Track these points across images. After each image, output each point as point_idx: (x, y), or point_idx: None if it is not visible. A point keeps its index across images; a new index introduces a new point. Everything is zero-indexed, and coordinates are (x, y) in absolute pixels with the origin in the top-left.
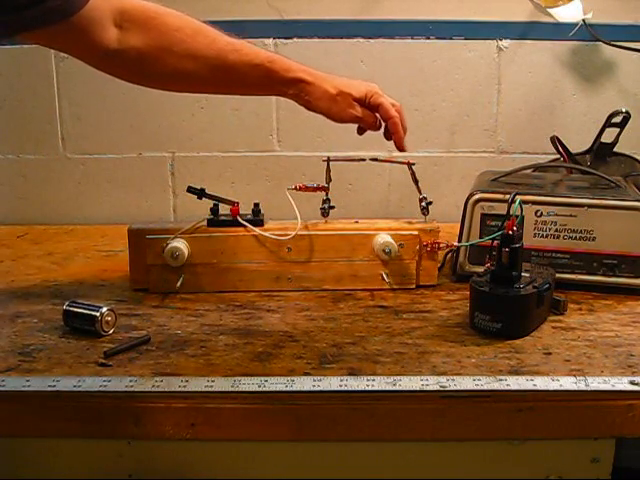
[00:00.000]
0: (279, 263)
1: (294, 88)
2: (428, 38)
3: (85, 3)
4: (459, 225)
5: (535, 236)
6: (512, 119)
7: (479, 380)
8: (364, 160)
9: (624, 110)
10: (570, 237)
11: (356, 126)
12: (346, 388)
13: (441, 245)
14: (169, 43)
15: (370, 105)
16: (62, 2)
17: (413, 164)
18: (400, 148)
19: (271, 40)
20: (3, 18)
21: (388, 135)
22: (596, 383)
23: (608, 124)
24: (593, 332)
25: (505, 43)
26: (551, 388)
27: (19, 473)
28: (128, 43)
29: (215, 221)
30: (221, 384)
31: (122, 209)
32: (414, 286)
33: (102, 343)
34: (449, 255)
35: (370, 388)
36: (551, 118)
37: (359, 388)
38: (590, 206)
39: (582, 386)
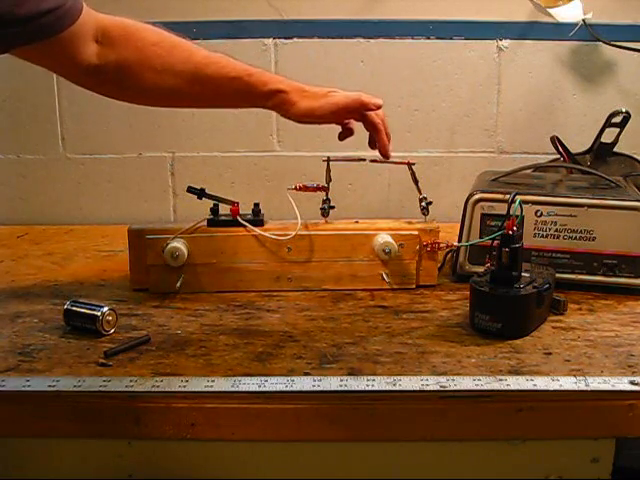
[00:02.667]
0: (279, 263)
1: (273, 99)
2: (428, 38)
3: (74, 21)
4: (459, 225)
5: (535, 236)
6: (512, 119)
7: (479, 380)
8: (364, 160)
9: (624, 110)
10: (570, 237)
11: (358, 125)
12: (346, 388)
13: (441, 245)
14: (146, 57)
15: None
16: (53, 19)
17: (413, 164)
18: (385, 155)
19: (271, 40)
20: None
21: (373, 144)
22: (596, 383)
23: (608, 124)
24: (593, 332)
25: (505, 43)
26: (551, 388)
27: (19, 473)
28: (107, 58)
29: (215, 221)
30: (221, 384)
31: (122, 209)
32: (414, 286)
33: (102, 343)
34: (449, 255)
35: (370, 388)
36: (551, 118)
37: (359, 388)
38: (590, 206)
39: (582, 386)
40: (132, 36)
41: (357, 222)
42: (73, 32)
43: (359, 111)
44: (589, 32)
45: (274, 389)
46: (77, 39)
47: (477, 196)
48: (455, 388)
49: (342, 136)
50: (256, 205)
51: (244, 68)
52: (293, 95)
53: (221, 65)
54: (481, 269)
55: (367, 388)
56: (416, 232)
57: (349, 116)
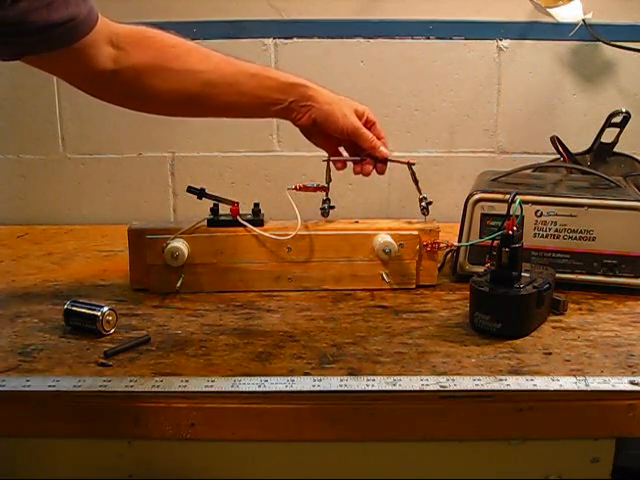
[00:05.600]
0: (279, 263)
1: (294, 93)
2: (428, 38)
3: (88, 32)
4: (459, 225)
5: (535, 236)
6: (512, 119)
7: (479, 380)
8: (364, 160)
9: (624, 110)
10: (570, 237)
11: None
12: (346, 388)
13: (441, 245)
14: (165, 59)
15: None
16: (65, 31)
17: (413, 164)
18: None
19: (271, 40)
20: (8, 39)
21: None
22: (596, 383)
23: (608, 124)
24: (593, 332)
25: (505, 43)
26: (551, 388)
27: (19, 473)
28: (124, 62)
29: (215, 221)
30: (221, 384)
31: (122, 209)
32: (414, 286)
33: (102, 343)
34: (449, 255)
35: (370, 388)
36: (551, 118)
37: (359, 388)
38: (590, 206)
39: (582, 386)
40: (149, 40)
41: (357, 222)
42: (88, 41)
43: (361, 147)
44: (589, 32)
45: (274, 389)
46: (92, 47)
47: (477, 196)
48: (455, 388)
49: (340, 165)
50: (256, 205)
51: (261, 65)
52: (317, 93)
53: (239, 63)
54: (481, 269)
55: (367, 388)
56: (416, 232)
57: (351, 145)
